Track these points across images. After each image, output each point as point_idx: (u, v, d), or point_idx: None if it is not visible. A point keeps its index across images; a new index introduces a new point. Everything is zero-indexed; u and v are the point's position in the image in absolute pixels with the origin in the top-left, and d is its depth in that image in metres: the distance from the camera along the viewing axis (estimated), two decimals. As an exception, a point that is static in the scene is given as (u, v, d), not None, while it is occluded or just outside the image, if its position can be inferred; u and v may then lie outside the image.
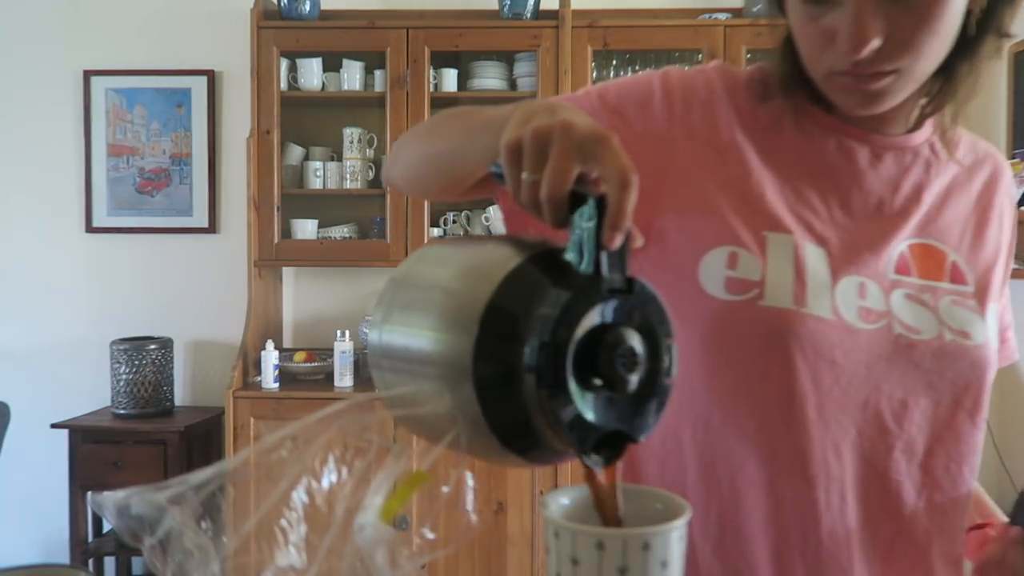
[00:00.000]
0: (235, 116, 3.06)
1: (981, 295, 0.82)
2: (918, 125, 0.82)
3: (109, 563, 2.97)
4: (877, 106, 0.75)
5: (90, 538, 2.82)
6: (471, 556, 2.57)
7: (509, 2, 2.78)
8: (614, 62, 2.86)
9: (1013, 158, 2.82)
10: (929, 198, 0.82)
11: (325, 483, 0.84)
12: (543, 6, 2.79)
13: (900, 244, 0.79)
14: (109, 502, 0.80)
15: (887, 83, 0.72)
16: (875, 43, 0.69)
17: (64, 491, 2.76)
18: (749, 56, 2.74)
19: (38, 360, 3.12)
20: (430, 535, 0.90)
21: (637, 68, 2.86)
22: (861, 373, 0.75)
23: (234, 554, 0.81)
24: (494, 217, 2.82)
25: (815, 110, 0.80)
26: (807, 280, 0.74)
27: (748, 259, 0.74)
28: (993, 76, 2.97)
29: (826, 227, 0.78)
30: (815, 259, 0.76)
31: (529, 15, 2.78)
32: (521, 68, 2.82)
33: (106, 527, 2.88)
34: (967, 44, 0.75)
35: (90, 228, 3.10)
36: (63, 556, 2.94)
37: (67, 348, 3.11)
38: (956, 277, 0.81)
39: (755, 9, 2.76)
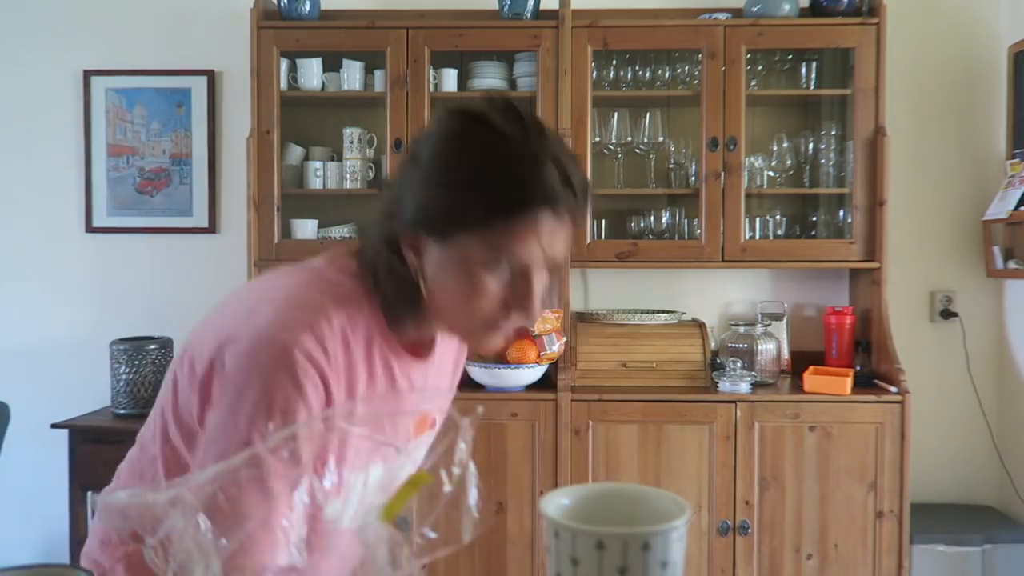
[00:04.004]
0: (235, 116, 3.06)
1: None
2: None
3: (109, 563, 2.97)
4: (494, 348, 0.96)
5: (90, 538, 2.82)
6: (471, 556, 2.57)
7: (509, 2, 2.78)
8: (614, 62, 2.86)
9: (1013, 158, 2.81)
10: (431, 380, 1.04)
11: (326, 483, 0.84)
12: (543, 6, 2.79)
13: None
14: (110, 502, 0.80)
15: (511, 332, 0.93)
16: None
17: (64, 491, 2.75)
18: (749, 56, 2.74)
19: (38, 360, 3.12)
20: (431, 535, 0.90)
21: (637, 68, 2.86)
22: None
23: (234, 554, 0.80)
24: (494, 217, 2.81)
25: (399, 354, 0.97)
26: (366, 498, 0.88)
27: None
28: (994, 77, 2.97)
29: (389, 450, 0.93)
30: (374, 476, 0.94)
31: (529, 15, 2.78)
32: (521, 68, 2.81)
33: (106, 527, 2.87)
34: None
35: (90, 228, 3.10)
36: (63, 556, 2.93)
37: (67, 348, 3.11)
38: (432, 425, 1.06)
39: (755, 9, 2.76)
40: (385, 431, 0.96)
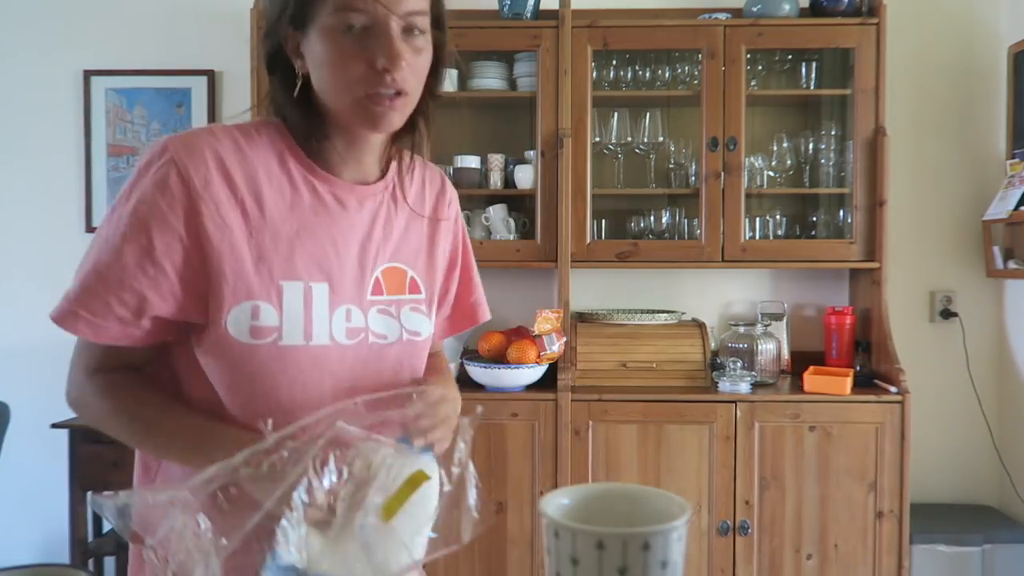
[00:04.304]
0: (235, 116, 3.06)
1: (429, 300, 1.12)
2: (384, 173, 1.08)
3: (109, 563, 2.97)
4: (392, 124, 0.98)
5: (90, 538, 2.82)
6: (471, 556, 2.57)
7: (509, 2, 2.78)
8: (614, 62, 2.86)
9: (1013, 158, 2.81)
10: (396, 229, 1.08)
11: (325, 483, 0.84)
12: (543, 6, 2.79)
13: (376, 271, 1.05)
14: (109, 502, 0.80)
15: (402, 103, 0.97)
16: (404, 63, 0.94)
17: (64, 491, 2.76)
18: (749, 56, 2.74)
19: (38, 360, 3.11)
20: (431, 535, 0.90)
21: (637, 68, 2.86)
22: (347, 375, 1.00)
23: (234, 554, 0.81)
24: (494, 217, 2.82)
25: (314, 169, 1.01)
26: (313, 316, 0.97)
27: (267, 310, 0.95)
28: (994, 77, 2.97)
29: (330, 267, 1.00)
30: (319, 295, 0.98)
31: (529, 15, 2.78)
32: (521, 68, 2.81)
33: (106, 527, 2.88)
34: (423, 106, 1.03)
35: (90, 228, 3.10)
36: (63, 556, 2.93)
37: (67, 348, 3.10)
38: (413, 289, 1.09)
39: (755, 9, 2.76)
40: (324, 248, 1.00)
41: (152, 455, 1.04)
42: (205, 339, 0.96)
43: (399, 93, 0.96)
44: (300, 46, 0.98)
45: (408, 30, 0.96)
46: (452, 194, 1.20)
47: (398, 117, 0.98)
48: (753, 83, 2.83)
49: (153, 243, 0.91)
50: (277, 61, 1.01)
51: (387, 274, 1.06)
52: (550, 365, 2.65)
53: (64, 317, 0.97)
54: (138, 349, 1.00)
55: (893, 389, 2.56)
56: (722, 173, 2.70)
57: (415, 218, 1.12)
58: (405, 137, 1.07)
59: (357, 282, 1.03)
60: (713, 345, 2.81)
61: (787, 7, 2.74)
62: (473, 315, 1.26)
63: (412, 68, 0.96)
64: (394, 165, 1.10)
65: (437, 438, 0.95)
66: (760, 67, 2.87)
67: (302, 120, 1.00)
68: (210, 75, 3.07)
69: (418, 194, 1.13)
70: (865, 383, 2.66)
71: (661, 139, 2.90)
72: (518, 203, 2.90)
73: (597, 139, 2.84)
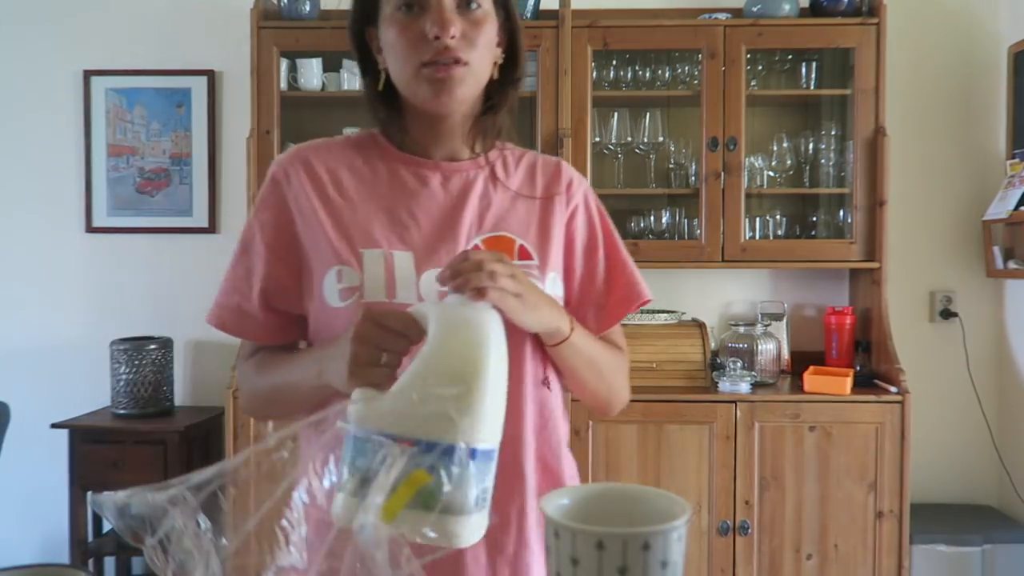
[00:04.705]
0: (235, 116, 3.06)
1: (543, 266, 1.11)
2: (475, 155, 1.14)
3: (109, 563, 2.97)
4: (454, 94, 1.03)
5: (90, 538, 2.82)
6: (471, 556, 2.57)
7: (509, 2, 2.77)
8: (614, 62, 2.86)
9: (1013, 158, 2.81)
10: (496, 204, 1.12)
11: (325, 483, 0.84)
12: (543, 6, 2.79)
13: (475, 239, 1.09)
14: (109, 502, 0.80)
15: (461, 72, 1.02)
16: (455, 30, 1.00)
17: (64, 491, 2.76)
18: (749, 56, 2.74)
19: (38, 360, 3.12)
20: (431, 535, 0.90)
21: (637, 68, 2.86)
22: None
23: (234, 554, 0.81)
24: (494, 217, 2.82)
25: (399, 155, 1.12)
26: (396, 278, 1.03)
27: (349, 272, 1.04)
28: (994, 77, 2.97)
29: (411, 237, 1.06)
30: (403, 261, 1.04)
31: (529, 15, 2.78)
32: (521, 68, 2.81)
33: (106, 527, 2.87)
34: (500, 90, 1.11)
35: (90, 228, 3.10)
36: (63, 556, 2.93)
37: (67, 348, 3.11)
38: (523, 255, 1.11)
39: (755, 9, 2.76)
40: (403, 221, 1.08)
41: (295, 406, 1.08)
42: (313, 322, 1.08)
43: (457, 62, 1.01)
44: (380, 41, 1.07)
45: (465, 3, 1.02)
46: (571, 176, 1.20)
47: (458, 86, 1.03)
48: (753, 83, 2.83)
49: (254, 231, 1.10)
50: (368, 63, 1.11)
51: (490, 242, 1.10)
52: (550, 365, 2.65)
53: (210, 316, 1.12)
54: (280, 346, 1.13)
55: (893, 389, 2.56)
56: (722, 173, 2.70)
57: (522, 199, 1.15)
58: (488, 118, 1.12)
59: (448, 248, 1.07)
60: (713, 345, 2.81)
61: (787, 7, 2.74)
62: (631, 293, 1.21)
63: (468, 38, 1.02)
64: (494, 152, 1.16)
65: (484, 286, 0.88)
66: (760, 67, 2.87)
67: (387, 112, 1.10)
68: (210, 75, 3.07)
69: (525, 180, 1.16)
70: (865, 383, 2.66)
71: (661, 139, 2.90)
72: (518, 203, 2.89)
73: (597, 139, 2.84)
